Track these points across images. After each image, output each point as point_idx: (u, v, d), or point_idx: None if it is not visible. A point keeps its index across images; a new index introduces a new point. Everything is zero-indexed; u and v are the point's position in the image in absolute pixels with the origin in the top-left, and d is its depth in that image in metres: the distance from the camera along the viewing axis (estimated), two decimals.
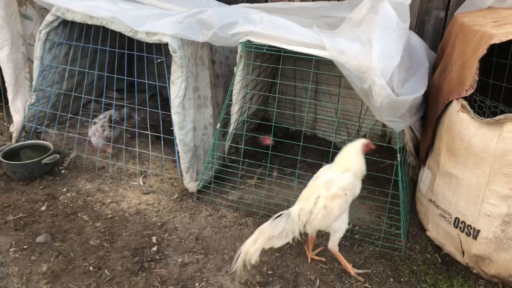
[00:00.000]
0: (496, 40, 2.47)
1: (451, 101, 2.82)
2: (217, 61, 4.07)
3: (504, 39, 2.45)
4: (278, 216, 2.62)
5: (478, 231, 2.68)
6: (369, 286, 2.74)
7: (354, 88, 2.90)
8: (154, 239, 3.08)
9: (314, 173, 2.86)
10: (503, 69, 2.60)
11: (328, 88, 4.31)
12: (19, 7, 4.06)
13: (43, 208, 3.35)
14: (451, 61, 2.96)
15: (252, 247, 2.54)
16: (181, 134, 3.51)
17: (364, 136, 4.44)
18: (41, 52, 3.85)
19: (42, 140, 4.04)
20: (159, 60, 3.55)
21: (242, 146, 3.66)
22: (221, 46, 4.07)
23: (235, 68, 3.42)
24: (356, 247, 3.07)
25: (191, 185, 3.56)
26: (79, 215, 3.30)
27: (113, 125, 3.99)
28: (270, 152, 3.58)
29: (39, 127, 4.10)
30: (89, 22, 3.59)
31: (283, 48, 3.05)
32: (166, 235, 3.13)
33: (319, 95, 4.47)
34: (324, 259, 2.94)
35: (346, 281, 2.77)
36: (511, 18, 2.73)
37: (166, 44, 3.37)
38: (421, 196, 3.24)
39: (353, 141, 2.81)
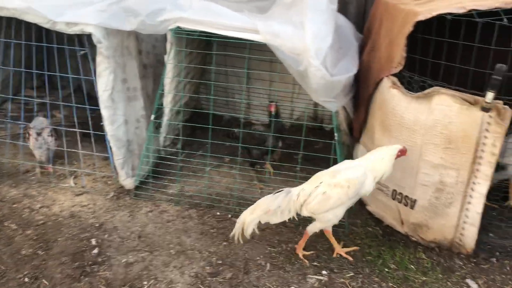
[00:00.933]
0: (421, 17, 2.59)
1: (382, 79, 2.92)
2: (144, 50, 3.90)
3: (428, 16, 2.58)
4: (279, 192, 2.64)
5: (415, 200, 2.82)
6: (318, 264, 2.79)
7: (289, 70, 2.91)
8: (93, 241, 2.91)
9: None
10: (428, 45, 2.74)
11: (260, 73, 4.31)
12: None
13: None
14: (379, 39, 3.07)
15: (248, 217, 2.60)
16: (113, 129, 3.33)
17: (298, 119, 4.52)
18: None
19: None
20: (82, 52, 3.33)
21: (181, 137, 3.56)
22: (147, 35, 3.90)
23: (165, 57, 3.30)
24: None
25: (128, 182, 3.40)
26: (6, 224, 3.03)
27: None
28: (210, 140, 3.51)
29: None
30: (0, 14, 3.28)
31: (215, 34, 2.99)
32: (106, 236, 2.97)
33: (251, 81, 4.45)
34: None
35: (296, 262, 2.80)
36: None
37: (90, 35, 3.17)
38: None
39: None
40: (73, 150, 3.65)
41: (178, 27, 3.06)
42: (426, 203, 2.79)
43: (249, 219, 2.59)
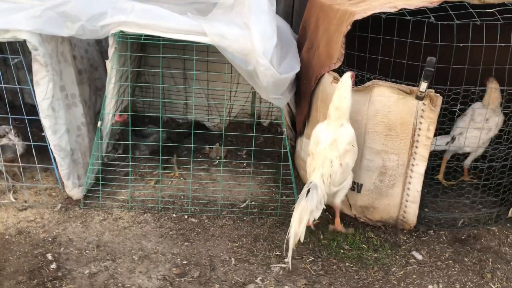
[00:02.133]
0: (357, 17, 2.82)
1: (323, 75, 3.12)
2: (78, 56, 3.77)
3: (364, 15, 2.81)
4: (308, 191, 2.69)
5: (361, 185, 3.07)
6: (279, 253, 2.94)
7: (238, 70, 3.01)
8: (49, 256, 2.80)
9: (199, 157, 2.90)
10: (365, 41, 2.98)
11: (197, 73, 4.35)
12: None
13: None
14: (317, 38, 3.27)
15: (299, 228, 2.62)
16: (55, 138, 3.20)
17: (236, 116, 4.64)
18: None
19: None
20: (16, 60, 3.15)
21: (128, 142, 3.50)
22: (79, 40, 3.78)
23: (107, 61, 3.24)
24: (258, 220, 3.24)
25: (75, 192, 3.30)
26: None
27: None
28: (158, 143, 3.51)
29: None
30: None
31: (160, 37, 3.00)
32: (62, 249, 2.87)
33: (188, 81, 4.48)
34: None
35: (259, 254, 2.92)
36: None
37: (24, 42, 3.02)
38: (304, 163, 3.53)
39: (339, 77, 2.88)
40: (14, 164, 3.44)
41: (121, 31, 3.02)
42: (372, 186, 3.05)
43: (301, 230, 2.64)
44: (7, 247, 2.86)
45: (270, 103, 4.34)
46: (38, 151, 3.25)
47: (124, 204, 3.33)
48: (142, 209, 3.29)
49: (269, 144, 4.30)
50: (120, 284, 2.62)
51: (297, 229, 2.63)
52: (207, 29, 2.91)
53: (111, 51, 3.17)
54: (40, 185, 3.43)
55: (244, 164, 3.91)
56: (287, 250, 2.71)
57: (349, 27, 2.87)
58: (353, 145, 2.85)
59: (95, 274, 2.69)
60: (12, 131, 3.42)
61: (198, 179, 3.68)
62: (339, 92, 2.82)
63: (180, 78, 4.47)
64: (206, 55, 4.08)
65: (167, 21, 2.98)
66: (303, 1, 4.32)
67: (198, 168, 3.75)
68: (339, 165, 2.80)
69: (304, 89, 3.39)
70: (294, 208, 2.73)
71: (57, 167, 3.25)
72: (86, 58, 3.95)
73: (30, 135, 3.23)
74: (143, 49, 4.17)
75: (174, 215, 3.26)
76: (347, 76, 2.85)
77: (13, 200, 3.31)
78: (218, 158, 3.94)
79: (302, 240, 2.68)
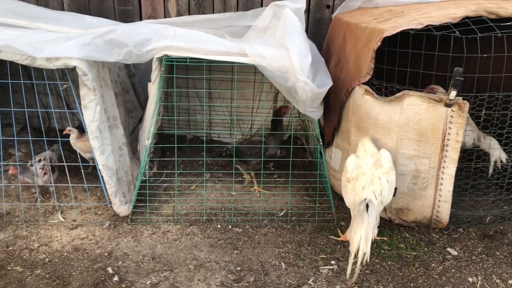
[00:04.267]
0: (387, 34, 3.06)
1: (354, 88, 3.36)
2: (113, 80, 3.96)
3: (393, 32, 3.05)
4: (366, 208, 2.79)
5: (396, 188, 3.28)
6: (324, 256, 3.12)
7: (277, 87, 3.23)
8: (109, 269, 2.94)
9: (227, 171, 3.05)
10: (394, 56, 3.23)
11: (220, 91, 4.57)
12: None
13: None
14: (345, 54, 3.51)
15: (367, 246, 2.67)
16: (103, 158, 3.38)
17: (257, 131, 4.85)
18: None
19: None
20: (65, 85, 3.33)
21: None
22: (112, 65, 3.97)
23: (150, 84, 3.44)
24: (298, 227, 3.43)
25: (122, 209, 3.45)
26: (9, 268, 2.93)
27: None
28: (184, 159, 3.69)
29: None
30: None
31: (204, 59, 3.21)
32: (120, 262, 3.02)
33: (212, 100, 4.69)
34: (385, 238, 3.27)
35: (305, 258, 3.10)
36: (386, 16, 3.39)
37: (73, 68, 3.20)
38: (335, 172, 3.75)
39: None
40: (63, 184, 3.60)
41: (166, 55, 3.22)
42: (406, 189, 3.27)
43: (368, 247, 2.69)
44: (68, 263, 3.00)
45: (289, 117, 4.62)
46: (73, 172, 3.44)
47: (169, 218, 3.49)
48: (187, 222, 3.45)
49: (292, 156, 4.50)
50: None
51: (365, 247, 2.68)
52: (248, 50, 3.13)
53: (154, 74, 3.37)
54: (89, 203, 3.57)
55: (275, 176, 4.10)
56: (352, 272, 2.72)
57: (379, 43, 3.12)
58: (393, 164, 3.06)
59: (157, 284, 2.84)
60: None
61: (234, 191, 3.86)
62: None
63: (206, 97, 4.67)
64: (229, 74, 4.31)
65: (209, 44, 3.20)
66: (317, 24, 4.60)
67: (233, 181, 3.94)
68: (386, 182, 2.99)
69: (333, 102, 3.62)
70: (353, 225, 2.83)
71: (105, 186, 3.41)
72: (119, 82, 4.15)
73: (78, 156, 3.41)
74: (170, 72, 4.38)
75: (218, 226, 3.43)
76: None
77: (62, 219, 3.44)
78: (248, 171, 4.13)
79: (368, 259, 2.71)
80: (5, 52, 3.14)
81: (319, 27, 4.59)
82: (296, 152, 4.55)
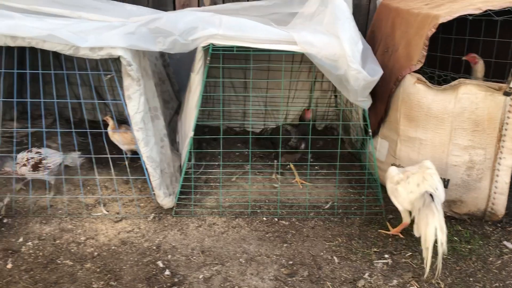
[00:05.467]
0: (442, 20, 2.95)
1: (404, 76, 3.25)
2: (151, 70, 3.89)
3: (449, 18, 2.94)
4: (431, 200, 2.71)
5: (448, 180, 3.19)
6: (376, 249, 3.05)
7: (327, 75, 3.13)
8: (160, 263, 2.89)
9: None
10: (447, 43, 3.12)
11: (256, 82, 4.48)
12: None
13: (9, 265, 2.84)
14: (394, 41, 3.40)
15: (444, 235, 2.60)
16: (147, 150, 3.31)
17: (292, 120, 4.76)
18: None
19: None
20: (108, 76, 3.26)
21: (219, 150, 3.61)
22: (150, 55, 3.89)
23: (192, 74, 3.36)
24: (346, 220, 3.35)
25: (167, 201, 3.39)
26: (59, 261, 2.89)
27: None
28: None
29: None
30: (11, 44, 3.09)
31: (251, 47, 3.11)
32: (169, 256, 2.96)
33: (247, 90, 4.60)
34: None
35: (358, 251, 3.03)
36: (438, 1, 3.27)
37: (117, 58, 3.13)
38: (381, 163, 3.65)
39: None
40: (108, 177, 3.58)
41: (212, 44, 3.13)
42: (459, 181, 3.17)
43: (445, 237, 2.61)
44: (117, 257, 2.95)
45: (327, 107, 4.53)
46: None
47: (213, 210, 3.43)
48: (232, 214, 3.39)
49: (329, 147, 4.42)
50: (236, 287, 2.72)
51: (442, 237, 2.59)
52: (297, 38, 3.03)
53: (199, 64, 3.28)
54: (133, 196, 3.52)
55: (317, 167, 4.02)
56: (433, 265, 2.63)
57: (433, 30, 3.01)
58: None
59: (210, 278, 2.79)
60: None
61: (275, 182, 3.79)
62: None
63: (240, 87, 4.59)
64: (265, 63, 4.22)
65: (257, 32, 3.10)
66: (354, 10, 4.46)
67: (273, 172, 3.87)
68: (438, 181, 2.89)
69: (379, 91, 3.51)
70: (421, 219, 2.74)
71: (149, 178, 3.35)
72: (156, 72, 4.07)
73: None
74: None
75: (264, 218, 3.37)
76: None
77: (106, 212, 3.40)
78: (289, 162, 4.05)
79: (445, 250, 2.62)
80: (48, 42, 3.07)
81: (357, 13, 4.47)
82: (333, 143, 4.45)
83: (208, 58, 3.16)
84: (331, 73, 3.08)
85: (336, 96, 4.58)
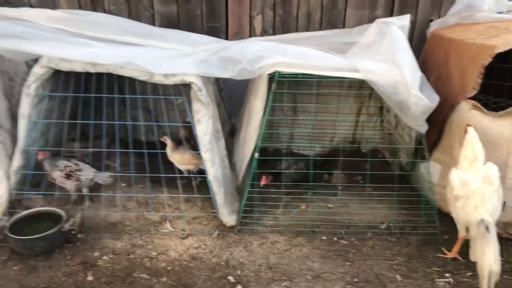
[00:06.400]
0: (499, 50, 3.12)
1: (459, 102, 3.40)
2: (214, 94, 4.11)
3: (505, 48, 3.11)
4: (487, 232, 2.80)
5: (505, 202, 3.30)
6: (437, 269, 3.16)
7: (387, 101, 3.31)
8: (231, 278, 3.04)
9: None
10: (502, 71, 3.29)
11: (304, 105, 4.67)
12: None
13: (89, 278, 3.02)
14: (447, 69, 3.57)
15: (498, 267, 2.70)
16: (213, 170, 3.50)
17: (338, 143, 4.93)
18: (29, 109, 3.43)
19: (27, 206, 3.60)
20: (179, 100, 3.48)
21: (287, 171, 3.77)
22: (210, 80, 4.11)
23: (254, 99, 3.56)
24: (403, 240, 3.47)
25: (230, 219, 3.55)
26: (135, 275, 3.06)
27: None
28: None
29: (30, 193, 3.62)
30: (91, 70, 3.35)
31: (315, 75, 3.30)
32: (239, 271, 3.11)
33: (297, 113, 4.79)
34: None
35: (419, 270, 3.14)
36: (491, 32, 3.44)
37: (187, 84, 3.36)
38: (432, 185, 3.77)
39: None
40: (176, 195, 3.78)
41: (277, 71, 3.33)
42: None
43: (499, 268, 2.71)
44: (189, 271, 3.11)
45: (373, 130, 4.68)
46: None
47: (274, 228, 3.58)
48: (292, 233, 3.53)
49: (376, 170, 4.55)
50: None
51: (496, 269, 2.69)
52: (360, 66, 3.22)
53: (262, 89, 3.47)
54: (197, 214, 3.70)
55: (368, 189, 4.15)
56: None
57: (489, 59, 3.17)
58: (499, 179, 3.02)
59: None
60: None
61: (330, 203, 3.93)
62: (471, 145, 3.06)
63: (289, 111, 4.78)
64: (315, 88, 4.40)
65: (320, 60, 3.30)
66: (422, 38, 4.65)
67: (328, 193, 4.01)
68: (498, 200, 2.98)
69: (433, 116, 3.66)
70: (477, 248, 2.84)
71: (214, 197, 3.52)
72: (214, 96, 4.29)
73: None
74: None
75: (323, 237, 3.50)
76: (473, 130, 3.09)
77: (172, 229, 3.57)
78: (340, 183, 4.20)
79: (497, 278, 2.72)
80: (126, 68, 3.31)
81: (424, 41, 4.64)
82: (380, 166, 4.59)
83: (274, 85, 3.36)
84: (391, 99, 3.25)
85: (382, 120, 4.74)
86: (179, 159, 4.00)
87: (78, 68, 3.32)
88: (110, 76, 3.49)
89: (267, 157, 3.69)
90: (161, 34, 3.85)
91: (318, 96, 4.60)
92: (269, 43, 3.47)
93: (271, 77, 3.38)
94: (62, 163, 3.68)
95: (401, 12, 4.67)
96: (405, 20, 3.48)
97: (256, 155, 3.47)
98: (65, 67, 3.33)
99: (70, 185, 3.65)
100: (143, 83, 3.42)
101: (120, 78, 3.69)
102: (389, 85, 3.21)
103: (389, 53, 3.33)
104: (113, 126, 3.73)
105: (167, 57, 3.38)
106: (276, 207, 3.82)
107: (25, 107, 3.41)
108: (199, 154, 3.51)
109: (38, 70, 3.34)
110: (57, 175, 3.62)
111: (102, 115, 3.83)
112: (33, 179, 3.66)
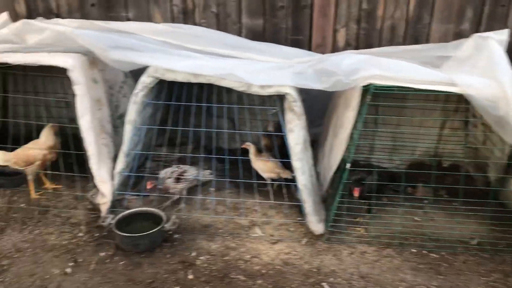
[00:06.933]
0: None
1: None
2: None
3: None
4: None
5: None
6: None
7: (484, 115, 3.28)
8: (325, 285, 3.12)
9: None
10: None
11: (387, 118, 4.68)
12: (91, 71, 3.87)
13: (190, 276, 3.19)
14: None
15: None
16: (303, 178, 3.61)
17: (419, 156, 4.89)
18: (135, 115, 3.69)
19: (126, 206, 3.86)
20: (273, 111, 3.63)
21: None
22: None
23: (345, 111, 3.63)
24: (496, 257, 3.41)
25: (318, 227, 3.63)
26: (232, 276, 3.20)
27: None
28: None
29: (132, 193, 3.88)
30: (193, 81, 3.56)
31: (410, 88, 3.34)
32: (331, 279, 3.18)
33: (377, 125, 4.81)
34: None
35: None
36: None
37: (284, 95, 3.49)
38: None
39: None
40: (265, 201, 3.96)
41: (371, 83, 3.40)
42: None
43: None
44: (283, 276, 3.21)
45: (456, 144, 4.60)
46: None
47: (361, 239, 3.62)
48: (381, 244, 3.56)
49: (459, 184, 4.48)
50: None
51: None
52: (458, 80, 3.22)
53: (354, 101, 3.53)
54: (287, 220, 3.81)
55: (455, 204, 4.10)
56: None
57: None
58: None
59: None
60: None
61: (416, 216, 3.92)
62: None
63: (370, 123, 4.81)
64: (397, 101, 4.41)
65: (416, 73, 3.33)
66: None
67: (413, 206, 4.01)
68: None
69: None
70: None
71: (303, 205, 3.62)
72: None
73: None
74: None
75: (413, 250, 3.50)
76: None
77: (262, 234, 3.69)
78: (426, 197, 4.18)
79: None
80: (226, 80, 3.49)
81: None
82: (463, 181, 4.50)
83: (369, 97, 3.42)
84: (489, 114, 3.22)
85: (467, 134, 4.67)
86: (262, 166, 4.13)
87: (180, 78, 3.55)
88: (200, 87, 3.76)
89: (358, 168, 3.72)
90: (255, 47, 4.02)
91: (401, 108, 4.60)
92: (363, 56, 3.53)
93: (365, 89, 3.44)
94: (165, 172, 3.90)
95: (489, 26, 4.60)
96: (503, 34, 3.45)
97: (347, 166, 3.54)
98: (169, 77, 3.56)
99: (181, 187, 3.88)
100: (228, 94, 3.63)
101: (210, 89, 3.96)
102: (488, 99, 3.19)
103: (487, 67, 3.31)
104: (199, 133, 3.94)
105: (264, 69, 3.53)
106: (363, 217, 3.86)
107: (132, 114, 3.67)
108: (281, 162, 3.64)
109: (145, 79, 3.60)
110: (168, 183, 3.85)
111: (188, 123, 4.05)
112: (133, 181, 3.92)
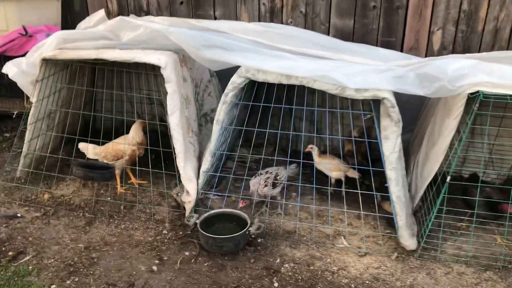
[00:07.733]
0: None
1: None
2: None
3: None
4: None
5: None
6: None
7: None
8: None
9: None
10: None
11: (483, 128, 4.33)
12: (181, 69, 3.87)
13: (275, 284, 3.09)
14: None
15: None
16: (397, 190, 3.40)
17: None
18: (224, 115, 3.64)
19: (209, 206, 3.82)
20: (368, 116, 3.44)
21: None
22: None
23: (447, 119, 3.36)
24: None
25: (410, 242, 3.40)
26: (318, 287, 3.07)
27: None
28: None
29: (217, 194, 3.86)
30: (285, 82, 3.44)
31: None
32: None
33: (474, 136, 4.47)
34: None
35: None
36: None
37: (376, 100, 3.30)
38: None
39: None
40: (352, 210, 3.76)
41: (480, 91, 3.11)
42: None
43: None
44: None
45: None
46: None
47: (457, 258, 3.35)
48: (480, 266, 3.27)
49: None
50: None
51: None
52: None
53: (458, 110, 3.26)
54: (376, 233, 3.61)
55: None
56: None
57: None
58: None
59: None
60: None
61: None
62: None
63: (468, 133, 4.47)
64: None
65: None
66: None
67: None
68: None
69: None
70: None
71: (396, 217, 3.41)
72: None
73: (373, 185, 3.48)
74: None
75: None
76: None
77: (348, 245, 3.52)
78: None
79: None
80: (319, 81, 3.35)
81: None
82: None
83: (477, 105, 3.14)
84: None
85: None
86: (328, 166, 3.99)
87: (271, 79, 3.44)
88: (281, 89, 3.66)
89: (461, 182, 3.45)
90: (349, 49, 3.85)
91: (501, 118, 4.24)
92: (471, 60, 3.25)
93: (471, 97, 3.17)
94: (257, 180, 3.77)
95: None
96: None
97: (448, 178, 3.27)
98: (260, 77, 3.47)
99: (277, 191, 3.81)
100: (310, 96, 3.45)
101: (291, 91, 3.82)
102: None
103: None
104: (276, 135, 3.83)
105: (361, 72, 3.35)
106: (461, 235, 3.57)
107: (221, 114, 3.63)
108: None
109: (236, 79, 3.54)
110: (266, 190, 3.75)
111: (265, 125, 3.95)
112: (217, 181, 3.89)
